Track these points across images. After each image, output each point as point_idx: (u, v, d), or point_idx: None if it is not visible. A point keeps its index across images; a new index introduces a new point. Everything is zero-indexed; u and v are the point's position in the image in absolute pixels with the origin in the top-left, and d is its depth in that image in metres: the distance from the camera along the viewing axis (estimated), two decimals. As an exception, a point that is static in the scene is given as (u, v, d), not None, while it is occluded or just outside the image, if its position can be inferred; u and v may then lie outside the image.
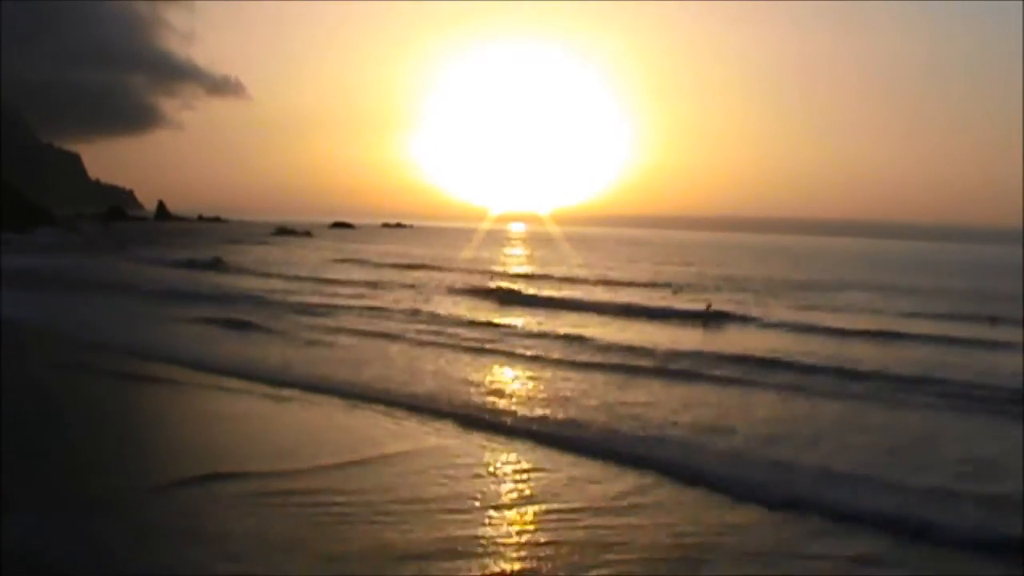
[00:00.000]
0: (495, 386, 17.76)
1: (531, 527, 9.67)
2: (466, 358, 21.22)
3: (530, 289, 41.49)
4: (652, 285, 47.81)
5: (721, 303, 35.79)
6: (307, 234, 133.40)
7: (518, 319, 29.75)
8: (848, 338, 26.77)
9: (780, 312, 34.56)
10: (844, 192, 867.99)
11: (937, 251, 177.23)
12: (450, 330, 26.19)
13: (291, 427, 14.24)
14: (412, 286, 43.32)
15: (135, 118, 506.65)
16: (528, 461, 12.27)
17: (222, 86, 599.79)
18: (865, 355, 22.90)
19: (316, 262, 63.61)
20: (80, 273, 44.15)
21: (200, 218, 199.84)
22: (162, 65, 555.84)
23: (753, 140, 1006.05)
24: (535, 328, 26.96)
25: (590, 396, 16.50)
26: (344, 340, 23.81)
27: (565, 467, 11.99)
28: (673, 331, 28.03)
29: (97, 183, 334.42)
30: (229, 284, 40.96)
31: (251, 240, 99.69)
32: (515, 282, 46.29)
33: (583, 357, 21.49)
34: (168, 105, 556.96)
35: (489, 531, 9.45)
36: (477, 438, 13.62)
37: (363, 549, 8.78)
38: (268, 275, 47.86)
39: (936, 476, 11.59)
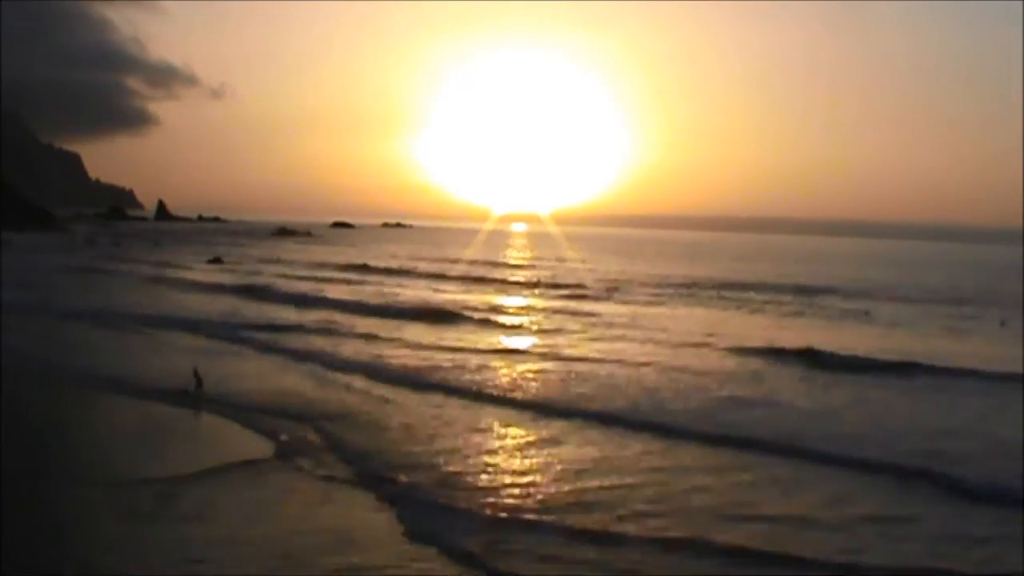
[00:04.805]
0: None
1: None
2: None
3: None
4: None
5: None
6: (307, 234, 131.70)
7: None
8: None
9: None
10: (844, 192, 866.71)
11: (953, 252, 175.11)
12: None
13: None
14: None
15: (135, 119, 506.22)
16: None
17: (221, 89, 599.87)
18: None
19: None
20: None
21: (200, 218, 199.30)
22: (162, 67, 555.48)
23: (753, 140, 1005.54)
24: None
25: None
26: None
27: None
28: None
29: (97, 183, 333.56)
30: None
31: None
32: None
33: None
34: (167, 106, 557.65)
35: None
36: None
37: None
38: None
39: None
